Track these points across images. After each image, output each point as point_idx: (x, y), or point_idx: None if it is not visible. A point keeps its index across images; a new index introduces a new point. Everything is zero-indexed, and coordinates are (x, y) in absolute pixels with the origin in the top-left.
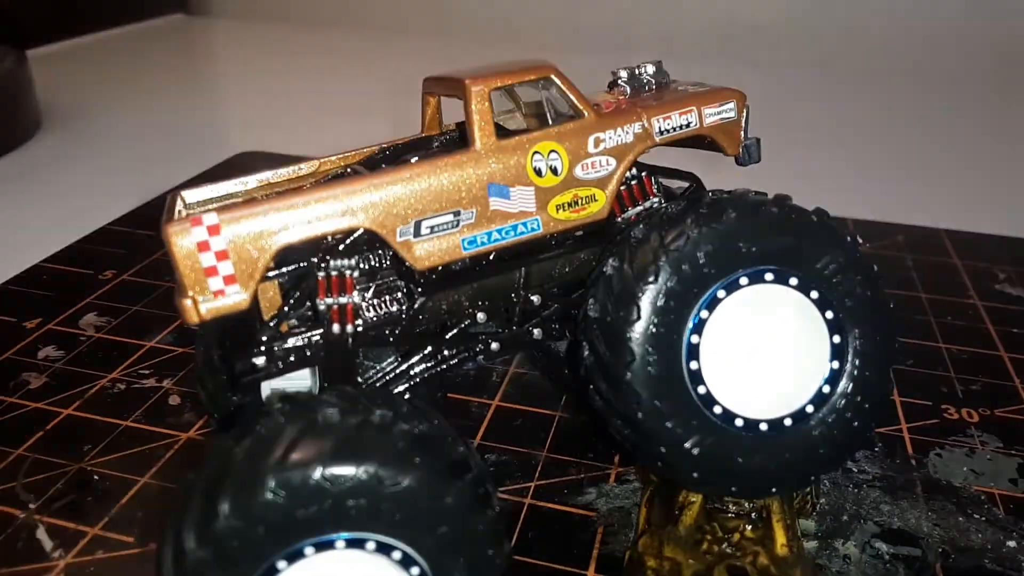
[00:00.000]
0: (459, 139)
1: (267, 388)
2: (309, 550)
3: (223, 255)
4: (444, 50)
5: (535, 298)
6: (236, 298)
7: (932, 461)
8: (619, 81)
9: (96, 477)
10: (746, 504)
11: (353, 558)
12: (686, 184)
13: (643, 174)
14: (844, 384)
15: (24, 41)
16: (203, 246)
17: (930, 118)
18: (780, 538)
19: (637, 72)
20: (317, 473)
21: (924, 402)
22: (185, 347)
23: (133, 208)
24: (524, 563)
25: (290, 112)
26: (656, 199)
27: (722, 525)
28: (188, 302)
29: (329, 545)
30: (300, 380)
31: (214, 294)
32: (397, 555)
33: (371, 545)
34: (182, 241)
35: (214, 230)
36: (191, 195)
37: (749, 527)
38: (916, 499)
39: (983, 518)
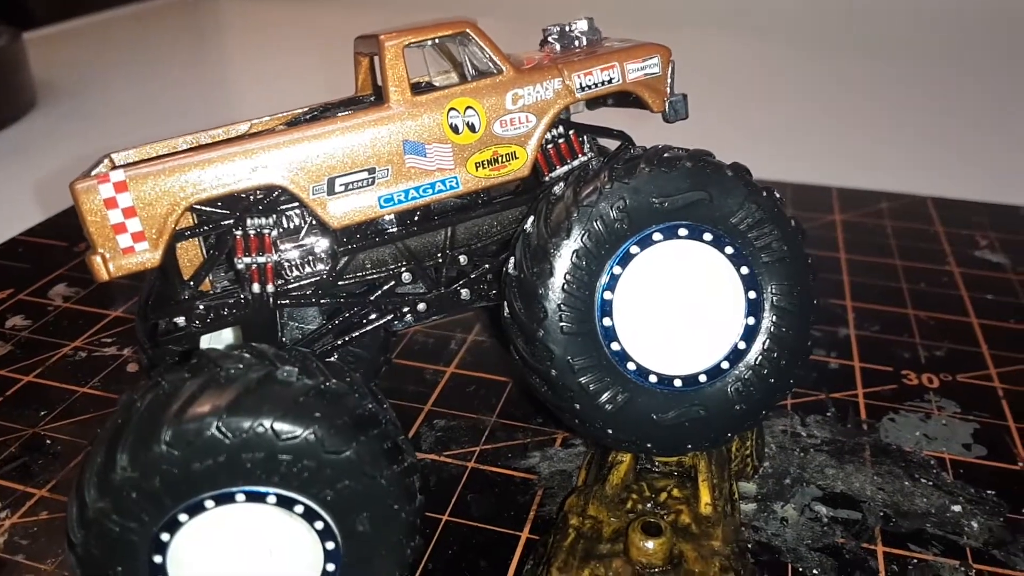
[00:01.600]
0: (378, 98)
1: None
2: (209, 503)
3: (131, 212)
4: None
5: (462, 258)
6: (146, 256)
7: (884, 426)
8: (549, 38)
9: (48, 441)
10: (673, 463)
11: (255, 512)
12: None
13: (571, 132)
14: (760, 340)
15: (29, 22)
16: (110, 203)
17: (918, 85)
18: (704, 497)
19: (568, 29)
20: (212, 426)
21: (884, 368)
22: None
23: None
24: (459, 524)
25: (297, 91)
26: (585, 158)
27: (650, 485)
28: (97, 259)
29: (229, 498)
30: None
31: (123, 251)
32: (299, 509)
33: (272, 499)
34: (89, 198)
35: (121, 187)
36: (120, 156)
37: (677, 487)
38: (863, 463)
39: (930, 483)
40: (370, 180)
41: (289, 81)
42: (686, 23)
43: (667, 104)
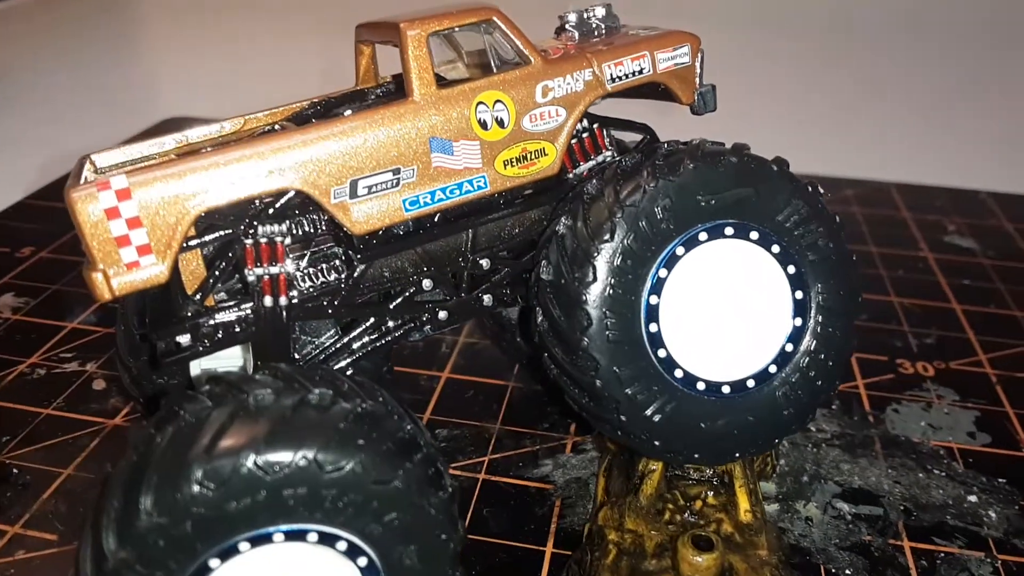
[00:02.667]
0: (397, 91)
1: (196, 368)
2: (244, 545)
3: (136, 222)
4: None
5: (484, 262)
6: (153, 271)
7: (889, 417)
8: (567, 26)
9: (15, 471)
10: (707, 470)
11: (294, 551)
12: (639, 137)
13: (595, 126)
14: (807, 341)
15: None
16: (112, 212)
17: (876, 71)
18: (744, 504)
19: (586, 16)
20: (249, 461)
21: (879, 357)
22: (109, 327)
23: (51, 181)
24: (480, 542)
25: (221, 75)
26: (609, 153)
27: (683, 493)
28: (98, 276)
29: (266, 539)
30: (231, 359)
31: (127, 267)
32: (342, 545)
33: (313, 536)
34: (88, 208)
35: (124, 194)
36: (102, 159)
37: (711, 494)
38: (875, 456)
39: (943, 473)
40: (395, 181)
41: (219, 64)
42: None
43: (696, 95)
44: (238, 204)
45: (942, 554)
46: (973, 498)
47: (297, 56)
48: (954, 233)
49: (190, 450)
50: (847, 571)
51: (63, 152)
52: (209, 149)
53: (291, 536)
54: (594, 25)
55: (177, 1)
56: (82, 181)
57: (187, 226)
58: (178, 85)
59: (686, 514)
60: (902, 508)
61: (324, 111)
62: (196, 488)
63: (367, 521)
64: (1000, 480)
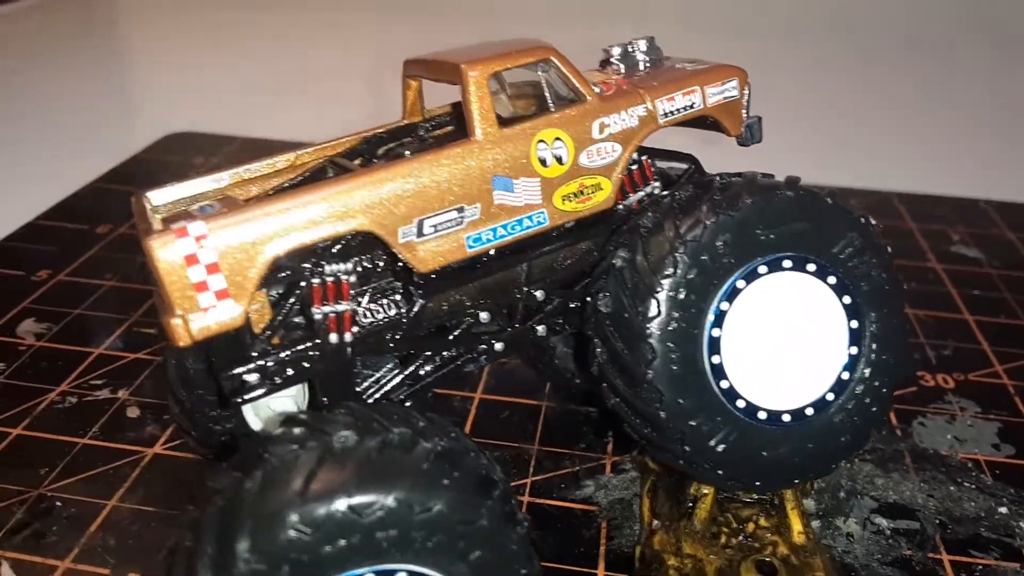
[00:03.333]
0: (451, 125)
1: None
2: None
3: (214, 268)
4: (375, 19)
5: (538, 293)
6: (230, 314)
7: (916, 430)
8: (612, 59)
9: (59, 503)
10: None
11: None
12: (682, 166)
13: (643, 158)
14: (862, 369)
15: None
16: (191, 259)
17: (874, 80)
18: (796, 526)
19: (630, 49)
20: (343, 504)
21: None
22: (136, 352)
23: (60, 200)
24: None
25: (215, 88)
26: (657, 184)
27: (735, 515)
28: (177, 322)
29: None
30: (283, 396)
31: (205, 311)
32: None
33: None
34: (167, 254)
35: (202, 241)
36: (157, 196)
37: (762, 516)
38: (907, 470)
39: (973, 486)
40: (459, 220)
41: (211, 76)
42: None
43: (743, 127)
44: (310, 246)
45: (980, 566)
46: (1004, 509)
47: (298, 68)
48: (959, 243)
49: (283, 495)
50: None
51: (67, 170)
52: (276, 190)
53: None
54: (638, 58)
55: (171, 12)
56: (154, 226)
57: (263, 270)
58: (178, 99)
59: (740, 537)
60: (937, 521)
61: (377, 147)
62: (292, 533)
63: (454, 560)
64: None
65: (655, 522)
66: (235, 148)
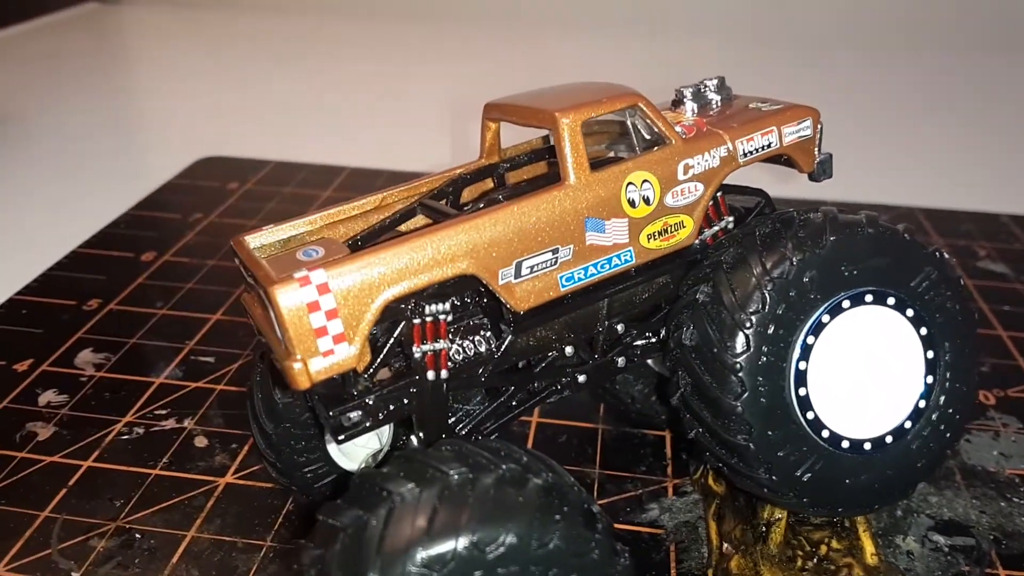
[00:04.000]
0: (533, 162)
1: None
2: None
3: (333, 314)
4: (388, 35)
5: (619, 327)
6: (345, 357)
7: (964, 447)
8: (684, 99)
9: (139, 536)
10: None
11: None
12: (751, 198)
13: (719, 194)
14: (937, 397)
15: None
16: (313, 306)
17: (902, 94)
18: (868, 547)
19: (701, 90)
20: (467, 541)
21: None
22: (196, 381)
23: (101, 228)
24: None
25: (244, 111)
26: (731, 218)
27: (807, 538)
28: (298, 366)
29: None
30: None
31: (324, 355)
32: None
33: None
34: (291, 301)
35: (324, 288)
36: (255, 239)
37: (834, 539)
38: (958, 488)
39: (1023, 501)
40: (554, 260)
41: (233, 97)
42: (661, 28)
43: (816, 164)
44: (420, 290)
45: None
46: None
47: (326, 89)
48: (985, 258)
49: (409, 532)
50: None
51: (103, 198)
52: (385, 239)
53: None
54: (710, 97)
55: (169, 27)
56: (271, 272)
57: (377, 314)
58: (207, 123)
59: (815, 560)
60: (992, 537)
61: (461, 187)
62: (419, 570)
63: None
64: None
65: (725, 545)
66: (267, 172)
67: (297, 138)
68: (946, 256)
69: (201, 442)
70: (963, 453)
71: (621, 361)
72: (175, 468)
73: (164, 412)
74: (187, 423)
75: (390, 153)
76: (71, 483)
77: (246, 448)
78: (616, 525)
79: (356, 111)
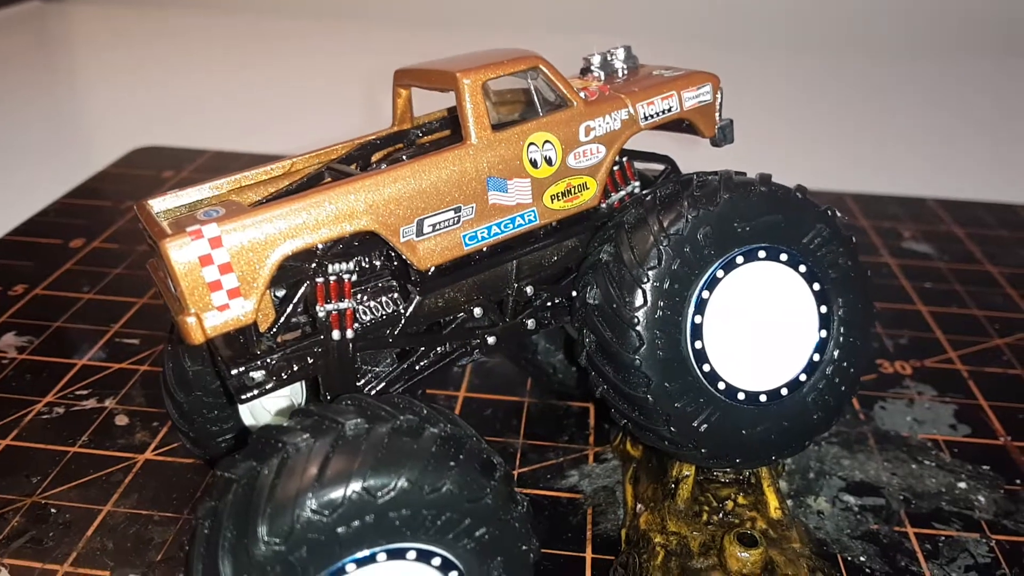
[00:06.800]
0: (440, 130)
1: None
2: (351, 567)
3: (227, 268)
4: (326, 30)
5: (528, 289)
6: (241, 312)
7: (878, 414)
8: (592, 68)
9: (53, 510)
10: (733, 472)
11: (393, 569)
12: (660, 167)
13: (624, 159)
14: (831, 351)
15: None
16: (205, 260)
17: (834, 87)
18: (773, 502)
19: (608, 58)
20: (358, 486)
21: None
22: (120, 362)
23: (30, 215)
24: None
25: (180, 102)
26: (637, 183)
27: (715, 495)
28: (191, 320)
29: (371, 560)
30: (277, 395)
31: (218, 309)
32: (437, 561)
33: (412, 554)
34: (182, 255)
35: (216, 242)
36: (160, 203)
37: (740, 494)
38: (871, 451)
39: (933, 464)
40: (456, 219)
41: (168, 90)
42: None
43: (717, 129)
44: (316, 246)
45: (943, 537)
46: (963, 484)
47: (263, 80)
48: (910, 239)
49: (301, 480)
50: (861, 557)
51: (34, 186)
52: (279, 194)
53: (392, 555)
54: (617, 66)
55: (130, 24)
56: (166, 229)
57: (273, 269)
58: (144, 113)
59: (720, 514)
60: (901, 498)
61: (371, 153)
62: (311, 515)
63: (461, 537)
64: (984, 467)
65: (639, 506)
66: (204, 161)
67: (235, 128)
68: (838, 214)
69: (122, 420)
70: (877, 419)
71: (531, 323)
72: (94, 446)
73: (85, 392)
74: (108, 403)
75: (327, 141)
76: None
77: (167, 426)
78: (536, 491)
79: (297, 102)
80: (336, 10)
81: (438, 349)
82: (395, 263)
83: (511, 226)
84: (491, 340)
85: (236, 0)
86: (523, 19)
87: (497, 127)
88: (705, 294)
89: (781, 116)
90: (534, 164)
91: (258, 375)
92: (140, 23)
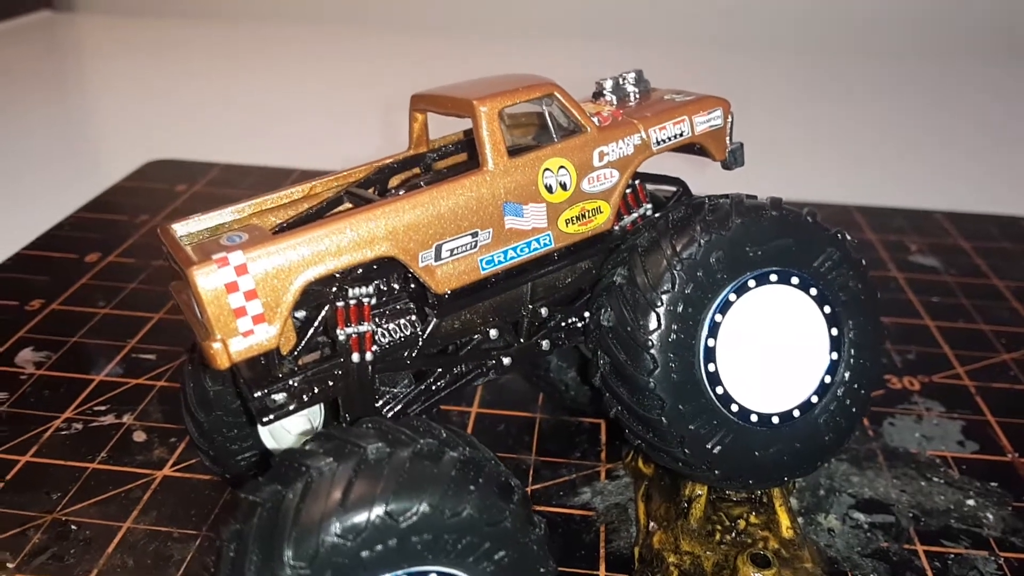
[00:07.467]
0: (456, 153)
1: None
2: None
3: (252, 294)
4: (340, 40)
5: (543, 310)
6: (265, 337)
7: (887, 430)
8: (604, 92)
9: (74, 527)
10: (745, 492)
11: None
12: (672, 188)
13: (636, 182)
14: (842, 373)
15: None
16: (231, 287)
17: (840, 96)
18: (785, 521)
19: (620, 82)
20: (381, 511)
21: None
22: (137, 378)
23: (46, 230)
24: None
25: (193, 115)
26: (649, 205)
27: (727, 514)
28: (217, 346)
29: None
30: (297, 416)
31: (243, 335)
32: None
33: None
34: (209, 282)
35: (242, 269)
36: (183, 227)
37: (752, 513)
38: (880, 468)
39: (942, 480)
40: (473, 244)
41: (180, 103)
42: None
43: (728, 153)
44: (340, 272)
45: (952, 555)
46: (971, 502)
47: (276, 93)
48: (917, 253)
49: (325, 504)
50: (871, 575)
51: (49, 200)
52: (300, 220)
53: None
54: (628, 90)
55: (119, 35)
56: (192, 255)
57: (296, 295)
58: (157, 126)
59: (733, 534)
60: (911, 515)
61: (388, 177)
62: (336, 539)
63: (480, 560)
64: (992, 484)
65: (651, 524)
66: (216, 174)
67: (247, 141)
68: (848, 238)
69: (140, 437)
70: (886, 436)
71: (546, 344)
72: (113, 462)
73: (103, 408)
74: (126, 419)
75: (339, 155)
76: (8, 477)
77: (185, 442)
78: (548, 508)
79: (306, 114)
80: (341, 16)
81: (455, 370)
82: (413, 286)
83: (527, 250)
84: (506, 361)
85: (245, 11)
86: (527, 24)
87: (512, 151)
88: (718, 317)
89: (787, 122)
90: (549, 189)
91: (280, 397)
92: (150, 33)
